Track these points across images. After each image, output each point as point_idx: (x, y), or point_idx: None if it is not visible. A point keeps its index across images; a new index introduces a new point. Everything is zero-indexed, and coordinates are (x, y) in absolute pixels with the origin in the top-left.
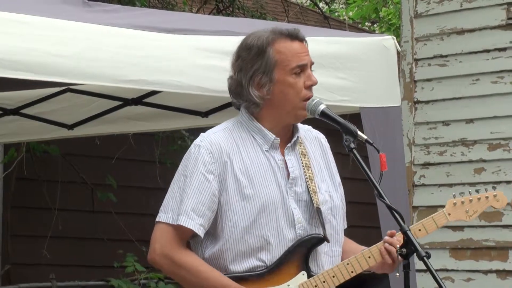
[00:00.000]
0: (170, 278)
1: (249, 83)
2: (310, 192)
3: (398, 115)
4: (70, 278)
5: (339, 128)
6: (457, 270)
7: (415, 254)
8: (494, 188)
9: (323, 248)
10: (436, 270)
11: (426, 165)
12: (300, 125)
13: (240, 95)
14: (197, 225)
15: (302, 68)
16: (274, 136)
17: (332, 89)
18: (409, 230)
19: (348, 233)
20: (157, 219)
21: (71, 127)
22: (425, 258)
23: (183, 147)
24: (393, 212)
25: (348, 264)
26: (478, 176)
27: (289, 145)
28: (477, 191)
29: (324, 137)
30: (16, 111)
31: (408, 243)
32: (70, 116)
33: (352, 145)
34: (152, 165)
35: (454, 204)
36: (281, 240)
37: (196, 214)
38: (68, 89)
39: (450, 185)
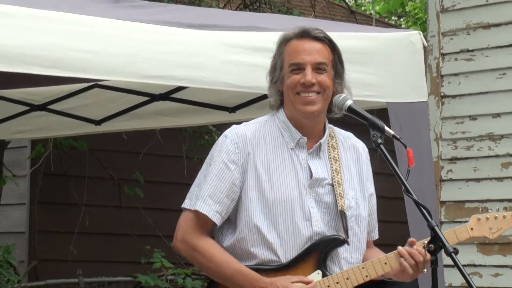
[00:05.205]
0: (198, 274)
1: (270, 81)
2: (336, 195)
3: (425, 110)
4: (97, 274)
5: (366, 123)
6: (485, 266)
7: (442, 249)
8: None
9: (343, 253)
10: (464, 266)
11: (453, 160)
12: (338, 131)
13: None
14: (212, 211)
15: (299, 67)
16: (301, 135)
17: (359, 85)
18: (437, 225)
19: None
20: (182, 205)
21: (98, 122)
22: (452, 254)
23: (210, 142)
24: (420, 207)
25: (363, 268)
26: (506, 170)
27: (311, 150)
28: (505, 208)
29: (364, 147)
30: (43, 107)
31: (435, 239)
32: (98, 112)
33: (379, 141)
34: (179, 160)
35: (479, 219)
36: (296, 235)
37: (213, 201)
38: (95, 85)
39: (478, 180)
